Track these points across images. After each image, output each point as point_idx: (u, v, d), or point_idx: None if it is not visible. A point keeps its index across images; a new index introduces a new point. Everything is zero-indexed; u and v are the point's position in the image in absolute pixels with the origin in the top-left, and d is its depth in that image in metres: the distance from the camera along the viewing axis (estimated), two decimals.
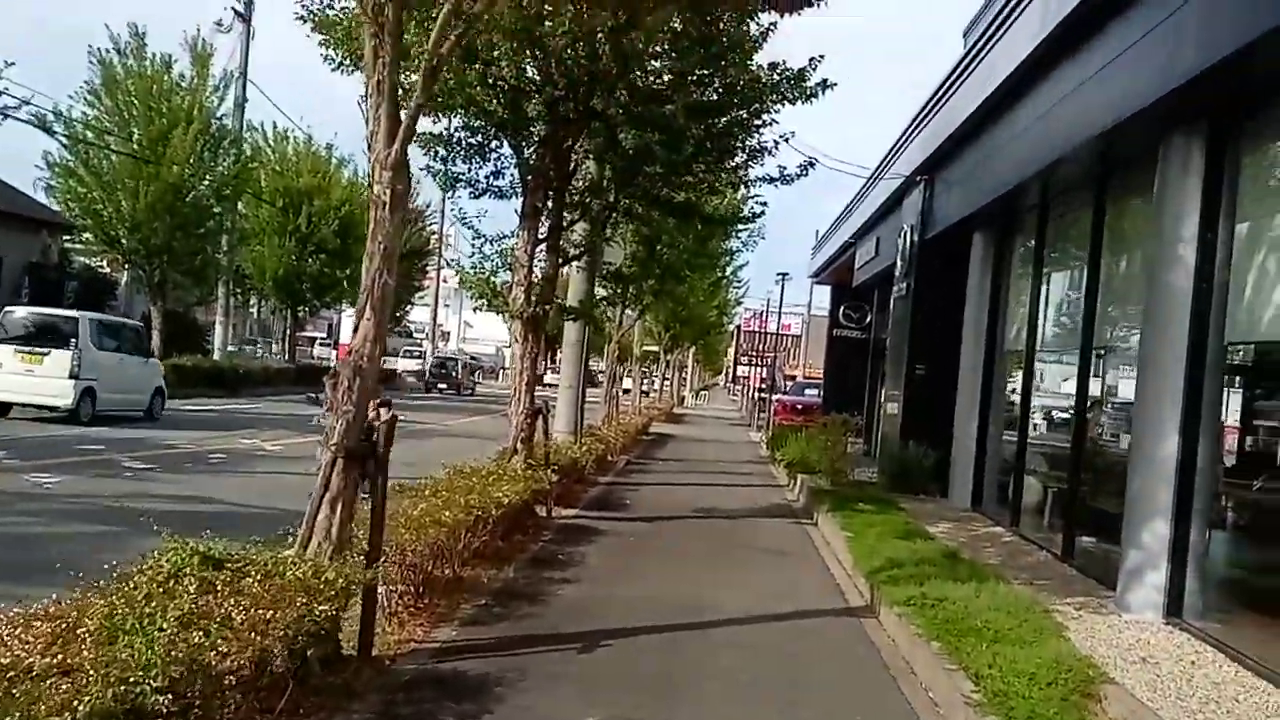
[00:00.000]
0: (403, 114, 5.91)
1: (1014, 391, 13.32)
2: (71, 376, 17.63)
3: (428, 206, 47.67)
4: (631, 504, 13.72)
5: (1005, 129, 12.27)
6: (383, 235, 5.90)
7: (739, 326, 72.42)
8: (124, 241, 29.86)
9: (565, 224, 11.92)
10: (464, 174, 11.73)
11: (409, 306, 52.21)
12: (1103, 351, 10.68)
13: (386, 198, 5.91)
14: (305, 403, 27.35)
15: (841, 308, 31.17)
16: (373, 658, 5.89)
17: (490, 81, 9.72)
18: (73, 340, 17.94)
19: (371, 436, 5.89)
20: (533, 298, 11.19)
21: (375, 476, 5.91)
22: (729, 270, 30.78)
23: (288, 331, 44.08)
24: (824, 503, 13.08)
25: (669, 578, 8.95)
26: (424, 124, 11.32)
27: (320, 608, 4.77)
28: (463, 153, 11.41)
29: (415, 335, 70.22)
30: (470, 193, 11.97)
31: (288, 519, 6.08)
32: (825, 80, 10.27)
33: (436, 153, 11.42)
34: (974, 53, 13.07)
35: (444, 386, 46.63)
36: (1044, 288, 12.36)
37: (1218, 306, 7.89)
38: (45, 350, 17.68)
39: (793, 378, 54.42)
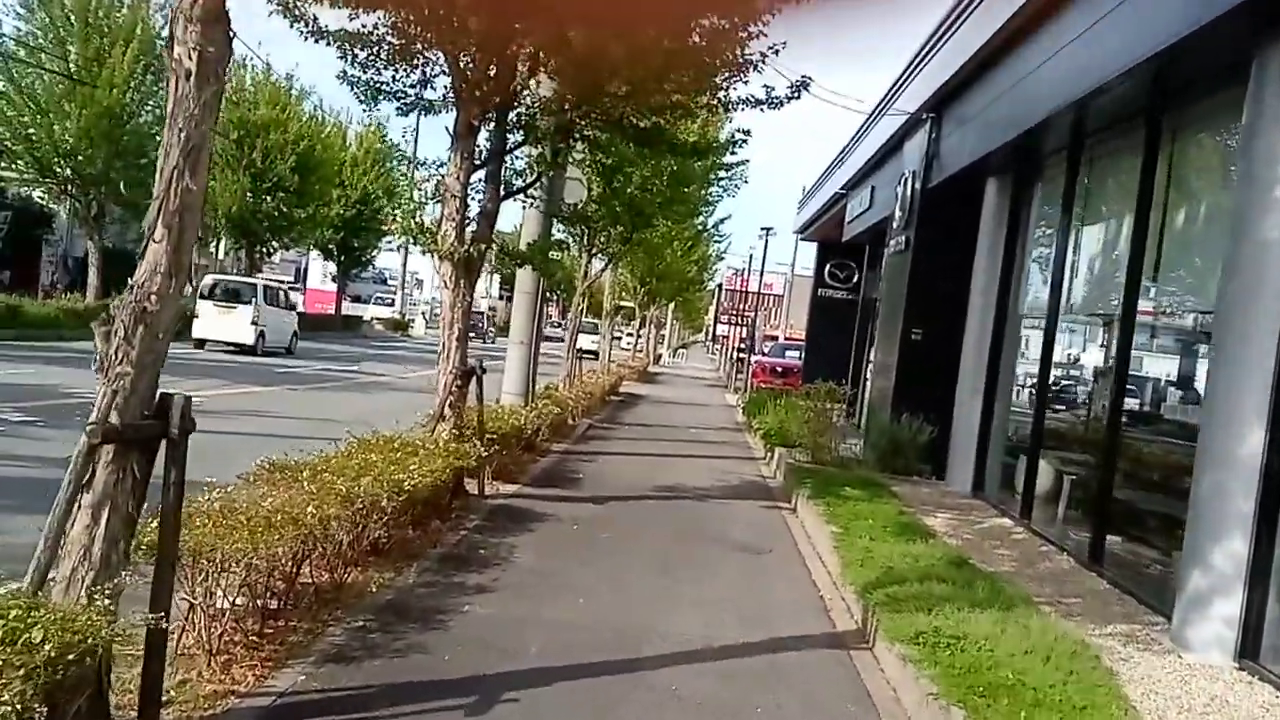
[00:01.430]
0: None
1: (1031, 361, 11.52)
2: (253, 323, 26.10)
3: (394, 146, 45.19)
4: (584, 479, 11.92)
5: (1033, 53, 10.39)
6: (185, 118, 4.00)
7: (720, 285, 70.64)
8: (58, 170, 27.78)
9: (508, 148, 9.98)
10: (388, 84, 9.73)
11: (375, 251, 49.89)
12: (1153, 318, 8.91)
13: (192, 64, 4.00)
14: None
15: (827, 266, 29.37)
16: None
17: None
18: (253, 299, 26.36)
19: (166, 412, 4.04)
20: (466, 235, 9.31)
21: (169, 470, 4.07)
22: (709, 222, 28.78)
23: (241, 272, 41.86)
24: (805, 484, 11.32)
25: (613, 587, 7.17)
26: (339, 18, 9.35)
27: None
28: (385, 57, 9.43)
29: (390, 282, 68.22)
30: (397, 108, 10.01)
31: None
32: None
33: (354, 57, 9.43)
34: None
35: (471, 335, 48.26)
36: (1073, 242, 10.53)
37: None
38: (233, 305, 25.96)
39: (774, 338, 52.82)
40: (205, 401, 14.76)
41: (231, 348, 25.83)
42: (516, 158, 10.65)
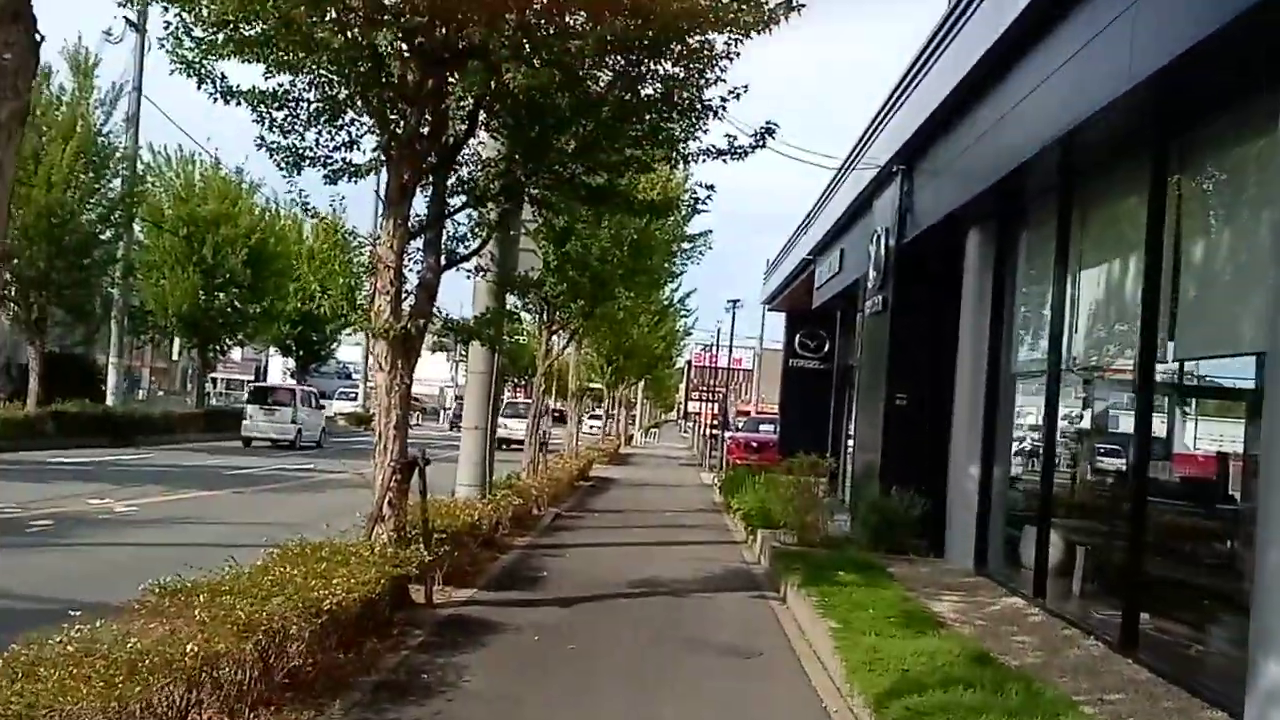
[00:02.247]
0: None
1: (1032, 423, 10.57)
2: (293, 422, 30.70)
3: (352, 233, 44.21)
4: (549, 577, 10.76)
5: (1011, 89, 9.62)
6: None
7: (689, 361, 69.95)
8: None
9: (449, 212, 9.01)
10: (311, 149, 8.74)
11: (335, 345, 48.61)
12: (1174, 367, 7.98)
13: None
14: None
15: (797, 336, 28.59)
16: None
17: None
18: (293, 403, 31.25)
19: None
20: (403, 310, 8.29)
21: None
22: (675, 295, 27.98)
23: (196, 372, 40.53)
24: (793, 571, 10.23)
25: (580, 716, 6.03)
26: (253, 76, 8.43)
27: None
28: (306, 118, 8.50)
29: (354, 376, 67.08)
30: (324, 175, 9.02)
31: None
32: (791, 1, 7.55)
33: (271, 120, 8.48)
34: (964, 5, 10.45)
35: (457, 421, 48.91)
36: (1071, 289, 9.64)
37: None
38: (276, 407, 31.02)
39: (746, 413, 51.88)
40: (137, 511, 13.55)
41: (273, 444, 29.89)
42: (459, 224, 9.68)
